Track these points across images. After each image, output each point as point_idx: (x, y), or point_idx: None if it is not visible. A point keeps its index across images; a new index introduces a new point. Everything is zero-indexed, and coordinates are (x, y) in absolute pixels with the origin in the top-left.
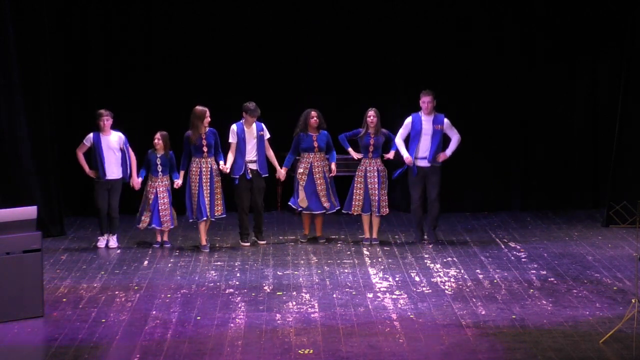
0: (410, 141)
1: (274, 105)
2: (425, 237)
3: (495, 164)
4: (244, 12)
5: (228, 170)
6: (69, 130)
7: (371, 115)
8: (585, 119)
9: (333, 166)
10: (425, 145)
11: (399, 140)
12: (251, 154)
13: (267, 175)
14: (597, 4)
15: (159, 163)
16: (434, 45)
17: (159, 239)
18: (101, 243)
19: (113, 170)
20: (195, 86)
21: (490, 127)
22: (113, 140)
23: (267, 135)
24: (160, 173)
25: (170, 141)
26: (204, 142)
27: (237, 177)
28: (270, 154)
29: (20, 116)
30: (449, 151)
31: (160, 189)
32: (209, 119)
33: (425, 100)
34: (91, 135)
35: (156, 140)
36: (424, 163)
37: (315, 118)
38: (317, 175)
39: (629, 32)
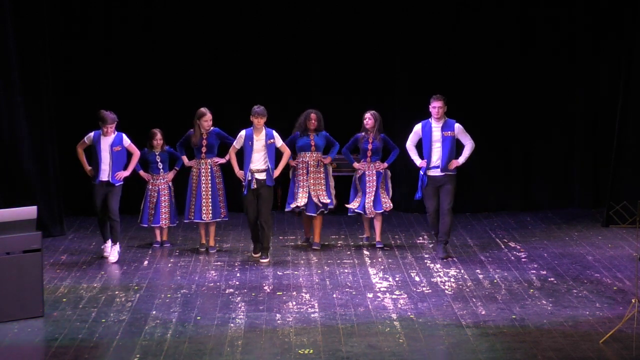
0: (423, 150)
1: (274, 106)
2: (434, 251)
3: (495, 164)
4: (246, 14)
5: (242, 178)
6: (69, 130)
7: (367, 117)
8: (585, 118)
9: (328, 159)
10: (437, 154)
11: (409, 146)
12: (259, 163)
13: (273, 184)
14: (598, 2)
15: (159, 161)
16: (433, 45)
17: (158, 238)
18: (108, 253)
19: (107, 172)
20: (196, 87)
21: (489, 127)
22: (110, 141)
23: (279, 144)
24: (161, 170)
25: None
26: (204, 143)
27: (245, 186)
28: (281, 163)
29: (20, 116)
30: (461, 158)
31: (162, 186)
32: (208, 122)
33: (436, 106)
34: (92, 134)
35: (158, 141)
36: (436, 172)
37: (314, 121)
38: (312, 175)
39: (629, 31)
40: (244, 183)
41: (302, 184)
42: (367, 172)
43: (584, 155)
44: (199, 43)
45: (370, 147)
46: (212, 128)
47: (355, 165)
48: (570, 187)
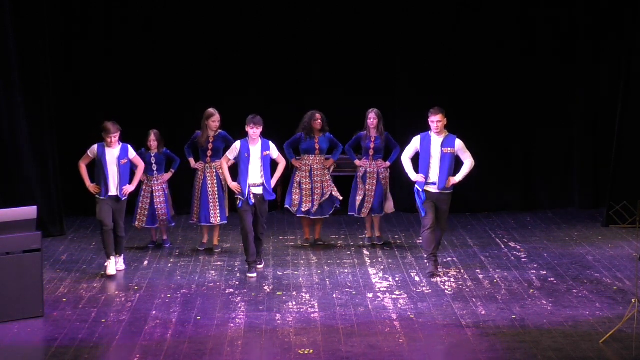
0: (420, 164)
1: (275, 106)
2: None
3: (495, 164)
4: (246, 14)
5: (237, 190)
6: (69, 130)
7: (371, 117)
8: (586, 119)
9: (330, 162)
10: (435, 170)
11: (405, 159)
12: (255, 176)
13: (273, 198)
14: (598, 2)
15: (153, 162)
16: (433, 45)
17: (155, 238)
18: (110, 270)
19: (115, 187)
20: (195, 87)
21: (489, 127)
22: (117, 154)
23: (275, 155)
24: (155, 172)
25: (163, 138)
26: (210, 146)
27: (241, 199)
28: (277, 175)
29: (20, 116)
30: (459, 176)
31: (156, 188)
32: (217, 123)
33: (435, 120)
34: (95, 147)
35: (151, 142)
36: (433, 189)
37: (319, 121)
38: (315, 179)
39: (629, 32)
40: (239, 196)
41: (305, 186)
42: (368, 170)
43: (584, 155)
44: (199, 43)
45: (372, 145)
46: (219, 131)
47: (357, 162)
48: (570, 187)
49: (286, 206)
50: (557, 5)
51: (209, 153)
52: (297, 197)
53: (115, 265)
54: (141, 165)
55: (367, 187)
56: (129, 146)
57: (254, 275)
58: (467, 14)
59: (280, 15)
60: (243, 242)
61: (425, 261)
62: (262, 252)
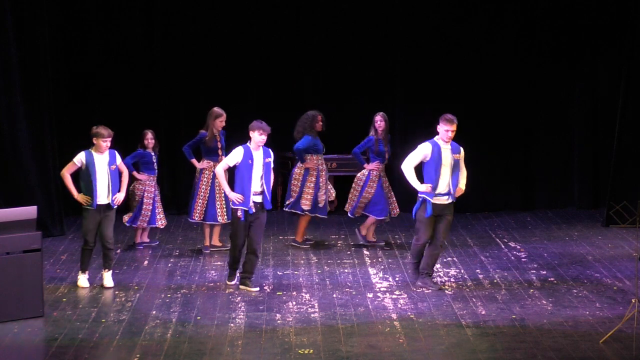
0: (427, 173)
1: (275, 107)
2: (419, 283)
3: (495, 164)
4: (247, 18)
5: (239, 200)
6: (69, 130)
7: (378, 120)
8: (586, 119)
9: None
10: (445, 179)
11: (409, 168)
12: (257, 184)
13: (270, 208)
14: (598, 3)
15: (154, 161)
16: (433, 45)
17: (138, 239)
18: (83, 282)
19: (105, 195)
20: (196, 88)
21: (490, 128)
22: (106, 160)
23: (272, 164)
24: (156, 171)
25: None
26: (219, 145)
27: (241, 209)
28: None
29: (20, 117)
30: (463, 187)
31: (155, 187)
32: (224, 123)
33: (449, 129)
34: (83, 155)
35: (148, 140)
36: (443, 200)
37: (320, 122)
38: (322, 179)
39: (629, 32)
40: (241, 206)
41: (311, 184)
42: (382, 174)
43: (584, 155)
44: (199, 47)
45: (386, 149)
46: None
47: (367, 166)
48: (570, 187)
49: (296, 210)
50: (557, 5)
51: (220, 152)
52: (307, 197)
53: (86, 281)
54: (126, 171)
55: (385, 190)
56: (116, 152)
57: (233, 282)
58: (467, 14)
59: (280, 18)
60: (230, 253)
61: (409, 269)
62: (253, 271)
